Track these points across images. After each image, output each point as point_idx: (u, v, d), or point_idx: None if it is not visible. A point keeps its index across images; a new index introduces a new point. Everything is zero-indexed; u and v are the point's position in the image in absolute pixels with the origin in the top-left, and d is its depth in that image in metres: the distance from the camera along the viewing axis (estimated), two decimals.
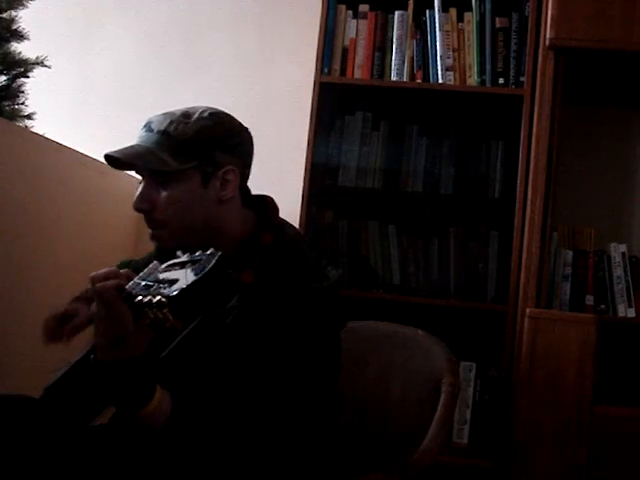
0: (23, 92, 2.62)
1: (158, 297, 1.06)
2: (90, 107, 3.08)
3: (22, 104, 2.62)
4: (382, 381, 1.72)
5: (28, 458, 1.23)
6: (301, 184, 2.49)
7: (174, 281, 1.08)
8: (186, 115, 1.37)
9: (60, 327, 1.40)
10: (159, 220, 1.35)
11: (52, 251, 2.33)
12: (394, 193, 2.63)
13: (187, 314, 1.09)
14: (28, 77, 2.61)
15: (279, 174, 2.79)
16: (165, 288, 1.07)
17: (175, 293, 1.05)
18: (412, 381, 1.66)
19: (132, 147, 1.35)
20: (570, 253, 2.42)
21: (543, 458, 2.12)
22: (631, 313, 2.37)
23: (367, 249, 2.60)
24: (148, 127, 1.37)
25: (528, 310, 2.21)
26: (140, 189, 1.36)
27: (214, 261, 1.11)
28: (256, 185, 1.47)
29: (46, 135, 2.41)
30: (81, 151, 2.44)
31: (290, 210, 2.19)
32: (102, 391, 1.20)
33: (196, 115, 1.37)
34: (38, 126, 2.64)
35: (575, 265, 2.42)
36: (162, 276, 1.13)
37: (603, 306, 2.39)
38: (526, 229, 2.29)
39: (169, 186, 1.34)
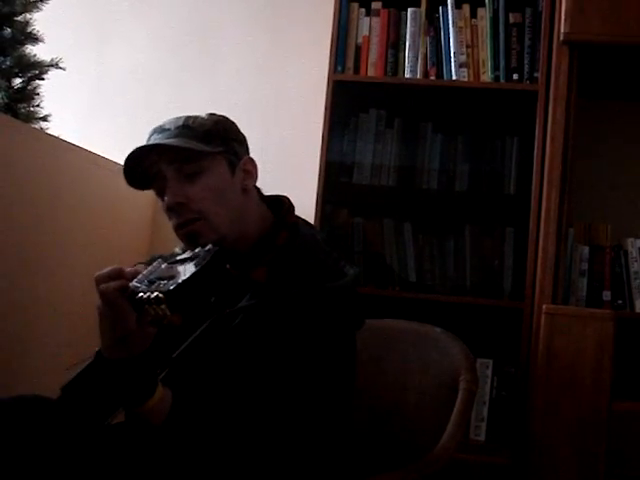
0: (38, 94, 2.63)
1: (156, 293, 1.07)
2: (105, 108, 3.09)
3: (37, 106, 2.63)
4: (399, 379, 1.72)
5: (41, 459, 1.23)
6: (316, 182, 2.49)
7: (173, 277, 1.10)
8: (194, 115, 1.39)
9: None
10: (196, 211, 1.33)
11: (68, 251, 2.34)
12: (409, 190, 2.63)
13: (185, 309, 1.10)
14: (43, 79, 2.63)
15: (294, 172, 2.79)
16: (164, 284, 1.09)
17: (172, 288, 1.06)
18: (429, 379, 1.65)
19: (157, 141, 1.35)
20: (586, 249, 2.41)
21: (561, 454, 2.11)
22: None
23: (382, 247, 2.59)
24: (161, 129, 1.37)
25: (545, 306, 2.19)
26: (169, 188, 1.34)
27: (210, 256, 1.13)
28: (271, 183, 1.47)
29: (61, 136, 2.43)
30: (96, 152, 2.46)
31: (305, 208, 2.19)
32: (107, 388, 1.21)
33: (203, 113, 1.40)
34: (53, 127, 2.65)
35: (592, 261, 2.41)
36: (164, 273, 1.14)
37: (620, 302, 2.38)
38: (542, 225, 2.28)
39: (199, 177, 1.34)
